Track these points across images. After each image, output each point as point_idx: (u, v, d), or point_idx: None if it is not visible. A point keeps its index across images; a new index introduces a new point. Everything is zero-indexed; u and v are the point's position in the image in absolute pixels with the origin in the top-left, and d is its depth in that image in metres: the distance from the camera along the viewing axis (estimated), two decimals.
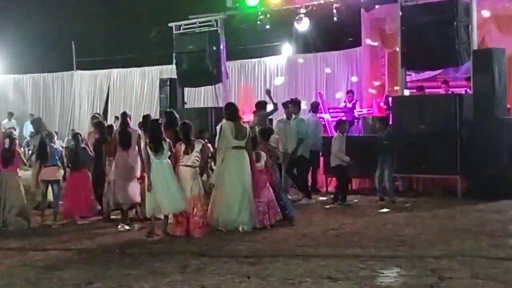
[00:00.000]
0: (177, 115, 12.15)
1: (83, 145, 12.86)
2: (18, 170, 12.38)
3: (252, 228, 10.91)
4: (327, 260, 8.46)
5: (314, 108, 16.29)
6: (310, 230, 10.87)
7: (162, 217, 10.97)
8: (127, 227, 11.49)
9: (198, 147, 10.97)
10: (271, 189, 11.49)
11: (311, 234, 10.52)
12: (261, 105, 14.93)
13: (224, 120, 11.38)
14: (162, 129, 11.05)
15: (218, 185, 11.20)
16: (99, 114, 17.01)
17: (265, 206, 11.26)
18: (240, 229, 10.81)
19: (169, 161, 10.88)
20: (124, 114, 12.44)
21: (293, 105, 14.97)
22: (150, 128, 11.20)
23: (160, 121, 11.32)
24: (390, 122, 15.04)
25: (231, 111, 11.45)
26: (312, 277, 7.61)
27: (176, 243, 10.09)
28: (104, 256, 9.32)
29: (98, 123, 13.90)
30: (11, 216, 11.99)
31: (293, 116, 14.84)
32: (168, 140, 10.99)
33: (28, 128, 25.95)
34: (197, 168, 10.97)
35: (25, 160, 13.10)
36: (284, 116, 14.95)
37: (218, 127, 11.56)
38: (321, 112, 18.02)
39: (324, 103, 19.17)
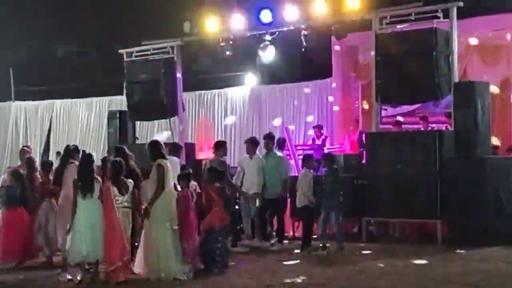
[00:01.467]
0: (129, 152, 12.13)
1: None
2: None
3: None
4: None
5: (280, 144, 16.33)
6: (276, 280, 10.80)
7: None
8: (68, 277, 11.31)
9: (130, 186, 11.09)
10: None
11: (277, 285, 10.45)
12: (219, 145, 15.00)
13: (160, 159, 11.41)
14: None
15: (150, 228, 11.26)
16: (28, 146, 16.87)
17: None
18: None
19: (99, 202, 10.94)
20: (71, 149, 12.48)
21: (267, 140, 15.04)
22: (81, 165, 11.25)
23: (92, 158, 11.35)
24: (364, 160, 15.12)
25: (159, 148, 11.60)
26: None
27: None
28: None
29: (29, 159, 13.87)
30: None
31: (264, 152, 14.92)
32: (99, 178, 11.05)
33: None
34: (130, 210, 11.15)
35: None
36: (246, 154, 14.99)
37: (154, 166, 11.55)
38: (287, 150, 18.06)
39: (290, 139, 19.23)
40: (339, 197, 13.82)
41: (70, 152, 12.58)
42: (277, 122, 21.75)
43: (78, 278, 11.10)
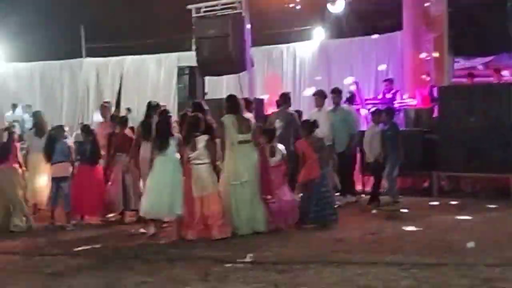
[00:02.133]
0: (205, 107, 12.24)
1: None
2: (16, 166, 12.48)
3: (268, 229, 11.03)
4: (365, 268, 8.44)
5: (350, 99, 16.24)
6: (346, 234, 10.84)
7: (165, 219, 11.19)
8: (142, 230, 11.54)
9: (201, 143, 11.02)
10: (287, 188, 11.53)
11: (347, 239, 10.51)
12: (284, 98, 14.93)
13: (225, 115, 11.43)
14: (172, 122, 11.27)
15: (226, 185, 11.26)
16: (108, 102, 17.08)
17: (281, 206, 11.32)
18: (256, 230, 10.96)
19: (176, 158, 11.00)
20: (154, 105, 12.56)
21: (334, 95, 14.96)
22: (158, 121, 11.36)
23: (169, 114, 11.43)
24: (435, 115, 14.95)
25: (232, 104, 11.52)
26: (348, 287, 7.61)
27: (196, 248, 10.11)
28: (117, 262, 9.38)
29: (112, 116, 14.02)
30: (8, 215, 12.11)
31: (332, 107, 14.85)
32: (177, 135, 11.12)
33: (26, 120, 26.17)
34: (209, 165, 11.04)
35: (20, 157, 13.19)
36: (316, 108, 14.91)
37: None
38: (357, 104, 17.97)
39: (360, 93, 19.12)
40: (398, 152, 13.72)
41: (152, 108, 12.70)
42: (346, 76, 21.60)
43: (152, 231, 11.28)
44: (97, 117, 16.53)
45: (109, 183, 12.80)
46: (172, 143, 11.03)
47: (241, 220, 11.05)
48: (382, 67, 21.22)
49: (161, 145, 11.03)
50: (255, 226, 11.02)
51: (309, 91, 18.63)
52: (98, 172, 12.89)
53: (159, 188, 10.96)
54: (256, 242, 10.39)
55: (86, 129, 13.10)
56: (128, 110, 24.36)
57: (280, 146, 11.80)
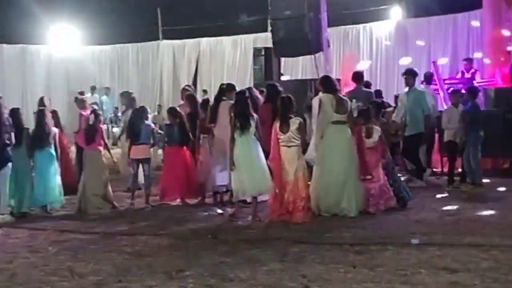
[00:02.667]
0: (280, 89, 12.25)
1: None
2: (101, 148, 12.73)
3: (358, 213, 10.92)
4: (444, 250, 8.40)
5: (428, 79, 16.03)
6: (424, 215, 10.78)
7: (249, 200, 11.19)
8: (219, 211, 11.66)
9: (294, 126, 10.94)
10: (381, 171, 11.46)
11: (425, 220, 10.45)
12: (358, 76, 14.79)
13: (321, 93, 11.39)
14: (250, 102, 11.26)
15: (318, 165, 11.23)
16: (189, 86, 17.24)
17: (378, 189, 11.25)
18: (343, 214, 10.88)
19: (255, 138, 11.04)
20: (223, 87, 12.69)
21: (407, 76, 14.72)
22: (237, 102, 11.38)
23: (246, 94, 11.46)
24: None
25: (330, 83, 11.46)
26: (427, 268, 7.57)
27: (274, 229, 10.19)
28: (195, 242, 9.50)
29: (190, 96, 14.11)
30: (93, 197, 12.37)
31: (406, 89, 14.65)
32: (255, 115, 11.15)
33: (104, 103, 26.63)
34: (299, 147, 10.99)
35: (106, 139, 13.42)
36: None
37: (314, 101, 11.56)
38: (435, 84, 17.73)
39: (438, 73, 18.86)
40: (478, 132, 13.48)
41: (223, 90, 12.78)
42: (424, 56, 21.37)
43: (229, 211, 11.45)
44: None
45: (198, 165, 12.84)
46: (252, 123, 11.09)
47: (328, 202, 11.03)
48: (461, 46, 20.88)
49: (242, 125, 11.07)
50: (344, 210, 10.96)
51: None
52: (186, 154, 12.97)
53: (242, 167, 10.99)
54: (333, 223, 10.41)
55: (173, 112, 13.17)
56: (204, 92, 24.59)
57: (376, 128, 11.67)
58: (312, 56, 19.32)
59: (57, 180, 12.42)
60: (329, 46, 19.08)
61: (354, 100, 13.36)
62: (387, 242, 8.90)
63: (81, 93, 15.39)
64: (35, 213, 12.22)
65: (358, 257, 8.23)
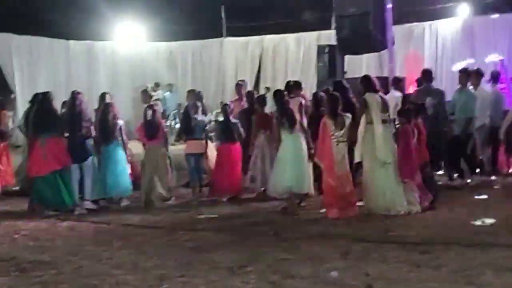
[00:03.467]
0: (346, 85, 12.23)
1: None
2: (162, 143, 12.86)
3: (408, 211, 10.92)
4: (510, 251, 8.27)
5: (495, 78, 15.78)
6: (489, 216, 10.61)
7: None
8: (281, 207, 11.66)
9: (347, 122, 11.07)
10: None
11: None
12: (428, 75, 14.60)
13: (366, 93, 11.34)
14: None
15: (370, 164, 11.21)
16: (242, 80, 17.32)
17: (417, 188, 11.23)
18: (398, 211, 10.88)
19: (302, 136, 11.21)
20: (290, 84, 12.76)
21: (460, 74, 14.50)
22: (280, 101, 11.52)
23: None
24: None
25: (370, 82, 11.49)
26: (492, 269, 7.46)
27: (335, 227, 10.18)
28: (257, 238, 9.55)
29: (248, 92, 14.17)
30: (156, 192, 12.51)
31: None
32: (297, 114, 11.49)
33: (167, 99, 26.83)
34: (347, 144, 11.14)
35: (167, 134, 13.56)
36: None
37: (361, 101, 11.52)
38: (503, 83, 17.44)
39: (507, 72, 18.56)
40: None
41: (291, 87, 12.85)
42: (491, 54, 21.02)
43: (283, 207, 11.50)
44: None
45: (250, 161, 12.93)
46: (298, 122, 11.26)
47: (381, 200, 11.00)
48: None
49: (290, 123, 11.19)
50: (392, 208, 10.93)
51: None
52: (238, 151, 13.07)
53: (286, 165, 11.22)
54: (396, 222, 10.34)
55: (226, 109, 13.30)
56: (267, 89, 24.62)
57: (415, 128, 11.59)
58: (376, 54, 19.25)
59: (126, 172, 12.63)
60: (393, 44, 18.95)
61: (429, 98, 13.20)
62: (451, 242, 8.80)
63: (146, 90, 15.63)
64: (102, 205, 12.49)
65: (422, 256, 8.15)
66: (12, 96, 24.16)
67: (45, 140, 11.83)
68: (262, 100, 13.44)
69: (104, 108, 12.72)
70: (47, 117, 11.98)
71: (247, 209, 12.09)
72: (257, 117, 12.95)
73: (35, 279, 7.63)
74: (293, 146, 11.32)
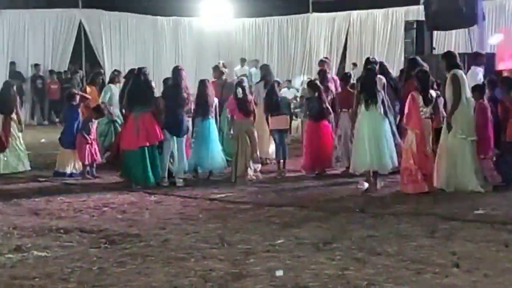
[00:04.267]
0: (422, 63, 12.06)
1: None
2: (251, 119, 12.93)
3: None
4: None
5: None
6: None
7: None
8: (366, 185, 11.60)
9: (434, 99, 11.05)
10: None
11: None
12: None
13: (455, 69, 11.12)
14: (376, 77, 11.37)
15: (444, 141, 11.09)
16: (327, 57, 17.22)
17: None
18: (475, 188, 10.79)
19: (381, 113, 11.09)
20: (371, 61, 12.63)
21: None
22: (365, 76, 11.49)
23: (374, 69, 11.53)
24: None
25: (455, 59, 11.30)
26: None
27: (422, 204, 10.09)
28: (343, 215, 9.53)
29: (321, 71, 14.13)
30: (245, 166, 12.61)
31: None
32: (381, 91, 11.20)
33: (253, 75, 26.90)
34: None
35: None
36: None
37: (448, 77, 11.34)
38: None
39: None
40: None
41: (368, 63, 12.74)
42: None
43: (365, 186, 11.41)
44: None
45: (336, 138, 12.90)
46: (378, 98, 11.11)
47: (459, 176, 10.92)
48: None
49: (368, 100, 11.12)
50: (474, 185, 10.81)
51: None
52: (325, 128, 13.04)
53: (366, 142, 11.11)
54: (483, 200, 10.19)
55: (312, 85, 13.26)
56: (354, 65, 24.49)
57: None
58: (466, 29, 18.89)
59: (219, 148, 12.86)
60: (484, 19, 18.58)
61: None
62: None
63: (217, 66, 15.72)
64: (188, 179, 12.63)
65: (511, 236, 8.02)
66: (101, 71, 24.60)
67: (139, 115, 12.04)
68: (347, 77, 13.36)
69: (200, 84, 12.90)
70: (142, 92, 12.18)
71: (333, 186, 12.07)
72: (340, 94, 12.88)
73: (124, 251, 7.79)
74: (372, 123, 11.17)
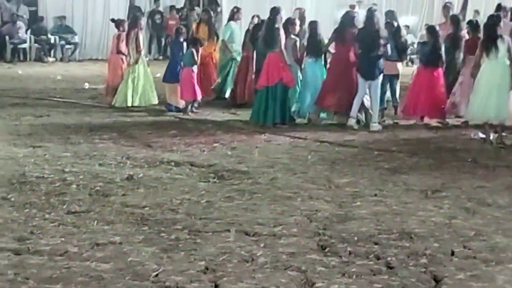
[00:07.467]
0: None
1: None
2: None
3: None
4: None
5: None
6: None
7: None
8: (482, 136, 11.34)
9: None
10: None
11: None
12: None
13: None
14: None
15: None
16: (450, 2, 16.72)
17: None
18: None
19: (505, 62, 10.69)
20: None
21: None
22: (486, 24, 11.13)
23: (498, 17, 11.10)
24: None
25: None
26: None
27: None
28: (453, 164, 9.41)
29: (453, 17, 13.73)
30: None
31: None
32: (507, 38, 10.81)
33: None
34: None
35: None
36: None
37: None
38: None
39: None
40: None
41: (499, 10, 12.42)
42: None
43: (480, 137, 11.23)
44: None
45: (456, 85, 12.58)
46: (501, 46, 10.71)
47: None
48: None
49: (489, 48, 10.75)
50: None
51: None
52: (437, 75, 12.70)
53: (486, 92, 10.82)
54: None
55: (430, 30, 12.95)
56: (476, 12, 23.73)
57: None
58: None
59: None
60: None
61: None
62: None
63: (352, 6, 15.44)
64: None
65: None
66: (219, 9, 24.70)
67: (268, 55, 12.15)
68: (475, 24, 12.89)
69: (311, 24, 12.95)
70: (271, 33, 12.22)
71: (446, 134, 11.88)
72: (467, 42, 12.52)
73: (232, 187, 7.93)
74: (496, 73, 10.82)
